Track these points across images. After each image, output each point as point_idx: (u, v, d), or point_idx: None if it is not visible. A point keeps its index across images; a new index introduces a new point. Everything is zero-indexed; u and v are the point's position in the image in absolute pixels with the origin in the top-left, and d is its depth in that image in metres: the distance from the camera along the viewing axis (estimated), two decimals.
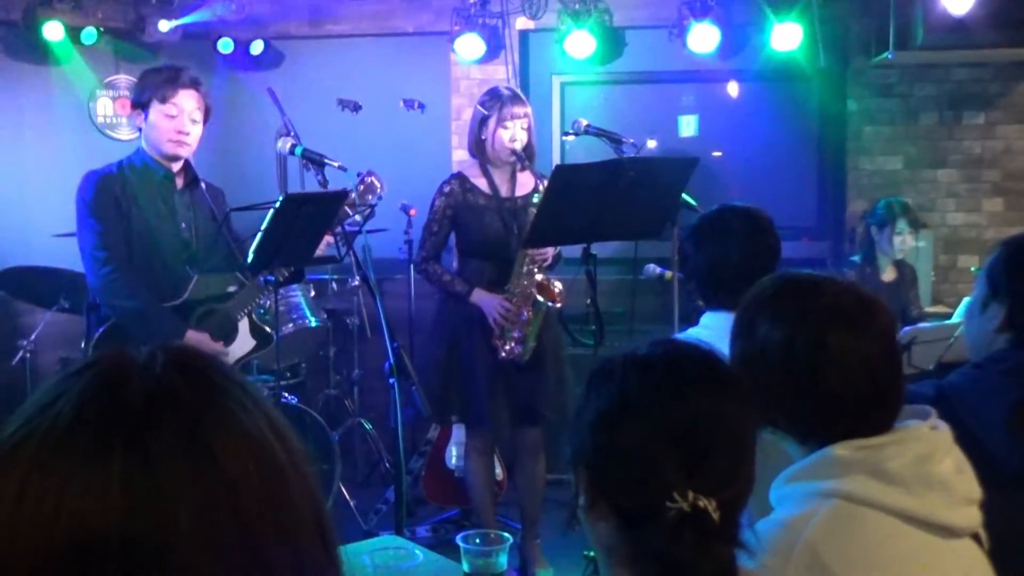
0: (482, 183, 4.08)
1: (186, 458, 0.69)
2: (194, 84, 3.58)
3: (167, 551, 0.67)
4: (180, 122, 3.52)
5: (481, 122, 4.04)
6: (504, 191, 4.08)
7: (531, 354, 3.99)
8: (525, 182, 4.08)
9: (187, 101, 3.54)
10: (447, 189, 4.10)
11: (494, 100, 4.03)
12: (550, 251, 3.97)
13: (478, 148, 4.08)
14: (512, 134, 3.97)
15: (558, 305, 3.97)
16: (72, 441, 0.69)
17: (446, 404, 4.16)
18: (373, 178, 3.70)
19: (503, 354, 3.96)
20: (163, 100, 3.50)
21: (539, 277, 3.95)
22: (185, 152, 3.59)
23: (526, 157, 3.99)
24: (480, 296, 3.99)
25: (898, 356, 1.60)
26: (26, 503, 0.67)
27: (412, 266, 5.59)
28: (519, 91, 4.18)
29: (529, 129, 4.03)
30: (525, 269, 3.93)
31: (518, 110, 3.99)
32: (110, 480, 0.67)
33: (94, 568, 0.66)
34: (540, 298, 3.92)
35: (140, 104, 3.55)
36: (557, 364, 4.13)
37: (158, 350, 0.76)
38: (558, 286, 3.99)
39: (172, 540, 0.67)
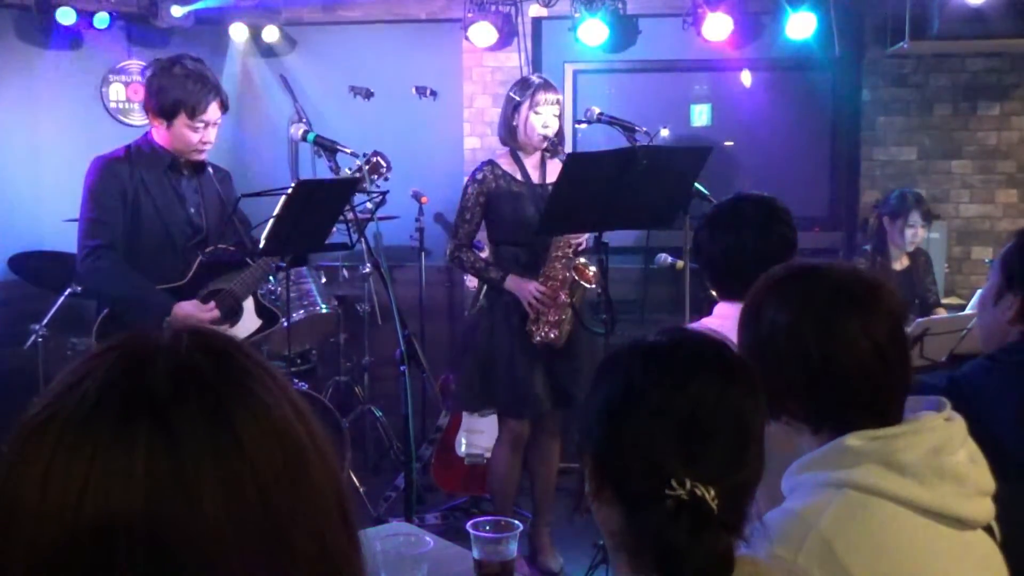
0: (514, 169, 4.09)
1: (210, 439, 0.70)
2: (219, 92, 3.52)
3: (192, 530, 0.67)
4: (205, 133, 3.51)
5: (514, 108, 4.04)
6: (535, 177, 4.09)
7: (567, 338, 4.00)
8: (555, 169, 4.08)
9: (213, 113, 3.51)
10: (479, 176, 4.10)
11: (526, 87, 4.05)
12: (584, 235, 3.98)
13: (509, 135, 4.09)
14: (544, 120, 3.98)
15: (593, 286, 3.97)
16: (97, 422, 0.69)
17: (486, 395, 4.15)
18: (379, 158, 3.70)
19: (538, 339, 3.96)
20: (192, 115, 3.44)
21: (580, 260, 3.95)
22: (203, 157, 3.60)
23: (556, 144, 4.00)
24: (514, 282, 4.00)
25: (906, 337, 1.59)
26: (52, 484, 0.68)
27: (423, 255, 5.60)
28: (550, 79, 4.17)
29: (560, 116, 4.04)
30: (560, 252, 3.94)
31: (550, 96, 4.01)
32: (135, 460, 0.68)
33: (119, 547, 0.66)
34: (579, 280, 3.93)
35: (165, 113, 3.45)
36: (590, 348, 4.13)
37: (182, 332, 0.77)
38: (592, 269, 3.99)
39: (196, 520, 0.68)
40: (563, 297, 3.95)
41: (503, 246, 4.14)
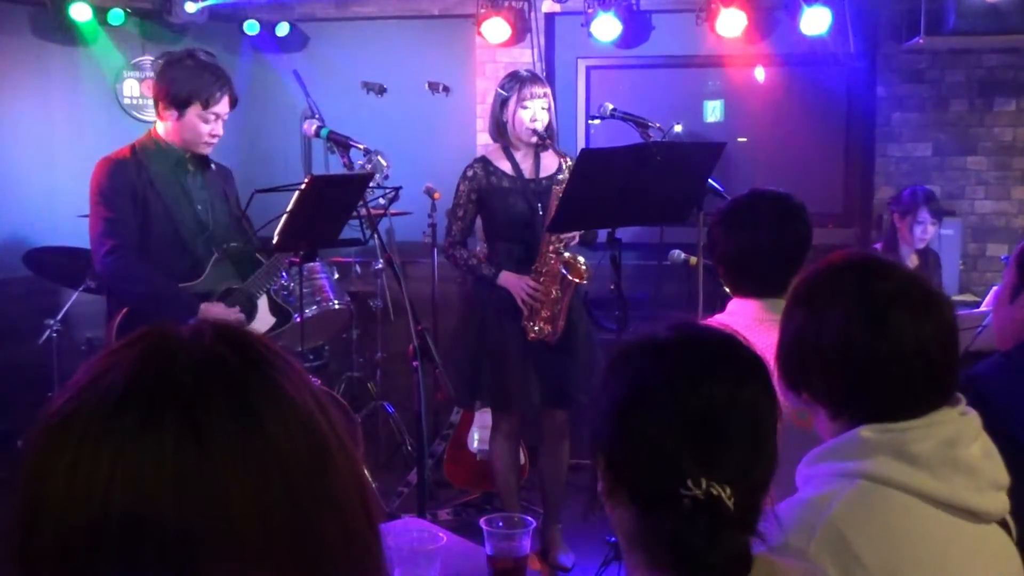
0: (505, 165, 4.07)
1: (236, 429, 0.70)
2: (230, 86, 3.56)
3: (218, 520, 0.68)
4: (216, 126, 3.54)
5: (501, 104, 4.03)
6: (528, 172, 4.07)
7: (561, 334, 3.99)
8: (549, 163, 4.07)
9: (224, 106, 3.54)
10: (470, 173, 4.09)
11: (513, 81, 4.02)
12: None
13: (499, 130, 4.07)
14: (532, 114, 3.96)
15: (584, 282, 3.96)
16: (123, 413, 0.70)
17: (475, 388, 4.15)
18: (379, 156, 3.69)
19: (532, 335, 3.96)
20: (205, 106, 3.48)
21: (566, 255, 3.94)
22: (210, 151, 3.62)
23: (547, 137, 3.98)
24: (507, 278, 3.99)
25: (956, 351, 1.57)
26: (79, 475, 0.68)
27: (435, 251, 5.60)
28: (539, 72, 4.15)
29: (549, 109, 4.01)
30: (552, 248, 3.93)
31: (537, 90, 3.98)
32: (162, 452, 0.68)
33: (146, 538, 0.67)
34: (568, 275, 3.92)
35: (178, 103, 3.49)
36: (587, 346, 4.12)
37: (205, 324, 0.77)
38: (584, 263, 3.97)
39: (223, 509, 0.68)
40: (554, 293, 3.94)
41: (496, 242, 4.13)
